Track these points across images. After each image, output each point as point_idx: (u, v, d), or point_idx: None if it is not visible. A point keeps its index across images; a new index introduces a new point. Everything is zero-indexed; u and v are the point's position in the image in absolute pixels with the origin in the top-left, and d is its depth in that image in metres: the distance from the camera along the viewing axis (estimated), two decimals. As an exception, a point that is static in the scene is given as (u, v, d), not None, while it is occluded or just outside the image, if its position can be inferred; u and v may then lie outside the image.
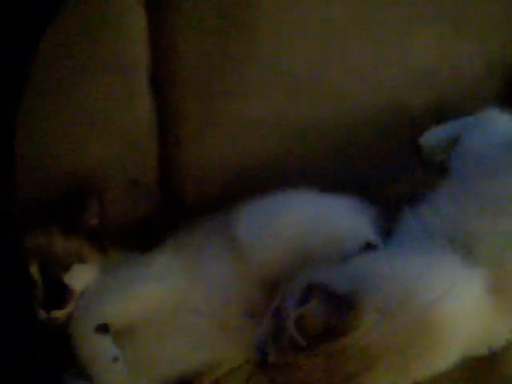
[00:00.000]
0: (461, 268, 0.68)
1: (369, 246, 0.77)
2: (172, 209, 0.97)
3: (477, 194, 0.77)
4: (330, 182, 0.86)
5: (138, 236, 0.92)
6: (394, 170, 0.92)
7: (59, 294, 0.79)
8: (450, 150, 0.91)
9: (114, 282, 0.82)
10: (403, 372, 0.65)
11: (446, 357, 0.66)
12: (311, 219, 0.82)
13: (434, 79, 0.98)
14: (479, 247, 0.70)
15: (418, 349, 0.64)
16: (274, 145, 0.93)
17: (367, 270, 0.70)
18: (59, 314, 0.78)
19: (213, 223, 0.88)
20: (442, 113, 0.98)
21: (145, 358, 0.81)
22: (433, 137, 0.96)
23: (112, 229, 0.90)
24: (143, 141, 0.90)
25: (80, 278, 0.81)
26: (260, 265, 0.80)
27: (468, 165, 0.84)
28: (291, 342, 0.64)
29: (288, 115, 0.92)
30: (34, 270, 0.78)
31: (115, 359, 0.77)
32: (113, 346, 0.78)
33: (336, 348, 0.63)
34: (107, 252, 0.86)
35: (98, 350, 0.77)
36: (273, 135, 0.93)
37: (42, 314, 0.77)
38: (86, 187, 0.86)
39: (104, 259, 0.85)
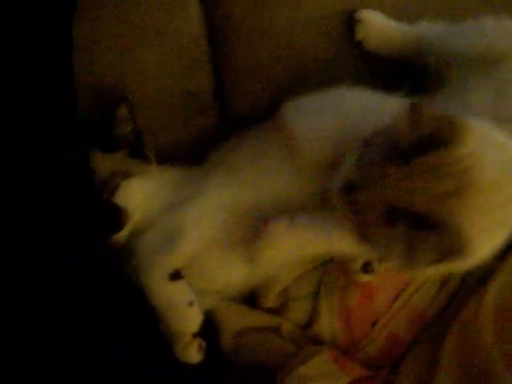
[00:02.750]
0: None
1: None
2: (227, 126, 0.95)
3: None
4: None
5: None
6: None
7: (113, 216, 0.78)
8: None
9: (173, 217, 0.79)
10: (494, 217, 0.61)
11: None
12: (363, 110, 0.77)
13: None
14: None
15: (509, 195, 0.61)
16: (324, 47, 0.90)
17: None
18: (119, 236, 0.79)
19: (263, 126, 0.86)
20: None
21: (210, 276, 0.81)
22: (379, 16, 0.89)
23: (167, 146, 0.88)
24: (195, 51, 0.89)
25: (130, 194, 0.80)
26: (316, 155, 0.76)
27: None
28: (388, 150, 0.60)
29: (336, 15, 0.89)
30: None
31: (191, 303, 0.77)
32: (188, 289, 0.77)
33: (437, 160, 0.59)
34: (152, 161, 0.84)
35: (174, 298, 0.76)
36: (322, 37, 0.90)
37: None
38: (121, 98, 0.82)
39: (151, 170, 0.83)
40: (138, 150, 0.84)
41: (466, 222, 0.59)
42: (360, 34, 0.89)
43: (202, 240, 0.79)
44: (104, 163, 0.81)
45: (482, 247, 0.62)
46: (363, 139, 0.66)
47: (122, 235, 0.81)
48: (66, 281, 0.70)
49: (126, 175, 0.81)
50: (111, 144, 0.82)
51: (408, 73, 0.90)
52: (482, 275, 0.85)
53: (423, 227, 0.59)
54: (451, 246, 0.59)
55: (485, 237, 0.61)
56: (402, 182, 0.60)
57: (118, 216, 0.79)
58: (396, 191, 0.60)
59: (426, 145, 0.59)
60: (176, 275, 0.77)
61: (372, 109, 0.77)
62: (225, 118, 0.96)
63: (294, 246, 0.77)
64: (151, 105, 0.88)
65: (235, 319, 0.90)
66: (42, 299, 0.68)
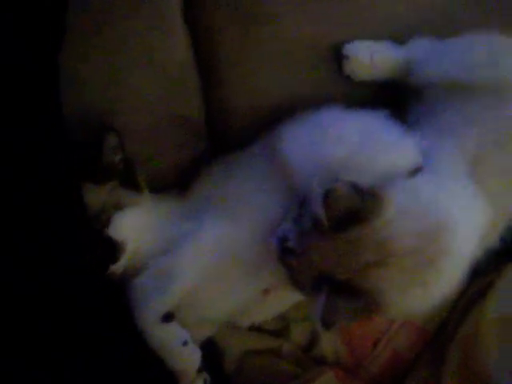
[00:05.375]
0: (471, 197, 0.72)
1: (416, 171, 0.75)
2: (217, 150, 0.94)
3: None
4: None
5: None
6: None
7: (108, 249, 0.77)
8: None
9: (166, 259, 0.79)
10: (414, 277, 0.67)
11: (452, 271, 0.69)
12: (360, 137, 0.78)
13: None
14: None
15: (427, 258, 0.66)
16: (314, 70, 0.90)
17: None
18: (115, 268, 0.78)
19: (254, 148, 0.85)
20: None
21: (207, 305, 0.81)
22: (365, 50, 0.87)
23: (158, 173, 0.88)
24: (185, 77, 0.88)
25: (124, 226, 0.79)
26: (306, 181, 0.75)
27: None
28: (314, 223, 0.66)
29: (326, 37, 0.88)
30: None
31: (185, 343, 0.77)
32: (180, 330, 0.77)
33: (356, 234, 0.65)
34: (144, 190, 0.83)
35: (167, 338, 0.76)
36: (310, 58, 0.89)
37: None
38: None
39: (144, 199, 0.82)
40: (129, 179, 0.83)
41: (384, 285, 0.66)
42: (347, 69, 0.88)
43: (195, 281, 0.79)
44: (96, 195, 0.79)
45: (401, 303, 0.68)
46: (300, 200, 0.72)
47: (118, 267, 0.79)
48: (65, 281, 0.69)
49: (118, 206, 0.80)
50: (101, 174, 0.80)
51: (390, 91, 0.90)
52: (481, 288, 0.85)
53: (343, 291, 0.66)
54: (367, 306, 0.66)
55: (404, 295, 0.67)
56: (327, 254, 0.66)
57: (112, 249, 0.78)
58: (322, 263, 0.67)
59: (345, 222, 0.65)
60: (168, 317, 0.77)
61: (370, 141, 0.77)
62: (215, 142, 0.95)
63: None
64: (141, 131, 0.86)
65: (237, 343, 0.90)
66: (41, 299, 0.68)
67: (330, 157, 0.76)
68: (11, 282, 0.67)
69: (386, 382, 0.87)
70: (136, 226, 0.81)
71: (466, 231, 0.69)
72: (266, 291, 0.83)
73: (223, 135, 0.93)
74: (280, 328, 0.92)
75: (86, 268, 0.72)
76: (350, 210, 0.64)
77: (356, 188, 0.65)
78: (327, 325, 0.66)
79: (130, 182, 0.83)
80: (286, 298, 0.87)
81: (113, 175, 0.81)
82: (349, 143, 0.77)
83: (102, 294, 0.73)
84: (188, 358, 0.77)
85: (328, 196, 0.64)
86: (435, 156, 0.76)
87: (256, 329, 0.92)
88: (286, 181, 0.79)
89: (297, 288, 0.73)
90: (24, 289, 0.67)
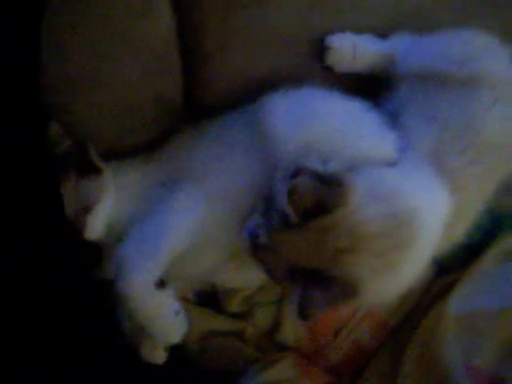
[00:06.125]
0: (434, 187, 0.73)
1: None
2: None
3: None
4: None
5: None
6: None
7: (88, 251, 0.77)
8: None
9: (148, 223, 0.77)
10: (384, 260, 0.67)
11: (417, 257, 0.70)
12: (344, 119, 0.78)
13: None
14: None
15: (395, 241, 0.67)
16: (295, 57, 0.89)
17: None
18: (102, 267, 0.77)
19: (236, 117, 0.84)
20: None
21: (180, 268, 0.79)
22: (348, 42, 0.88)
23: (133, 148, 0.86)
24: (167, 55, 0.86)
25: (98, 227, 0.78)
26: (285, 154, 0.74)
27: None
28: (283, 218, 0.66)
29: (310, 25, 0.88)
30: None
31: (177, 313, 0.76)
32: (174, 299, 0.76)
33: (325, 224, 0.65)
34: (103, 171, 0.81)
35: (160, 306, 0.74)
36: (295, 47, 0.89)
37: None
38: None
39: (105, 180, 0.80)
40: (85, 164, 0.80)
41: (356, 270, 0.66)
42: (329, 60, 0.88)
43: (181, 244, 0.77)
44: (66, 194, 0.77)
45: (374, 288, 0.68)
46: (266, 195, 0.72)
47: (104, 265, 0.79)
48: (66, 281, 0.70)
49: (87, 209, 0.78)
50: (61, 164, 0.78)
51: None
52: (444, 285, 0.86)
53: (318, 281, 0.67)
54: (343, 293, 0.67)
55: (376, 279, 0.67)
56: (298, 246, 0.67)
57: (96, 247, 0.78)
58: (294, 255, 0.67)
59: (312, 212, 0.65)
60: (161, 283, 0.75)
61: (352, 125, 0.78)
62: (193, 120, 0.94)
63: None
64: (119, 106, 0.85)
65: (200, 322, 0.90)
66: (42, 299, 0.69)
67: (312, 130, 0.75)
68: (11, 282, 0.67)
69: (346, 371, 0.88)
70: (109, 217, 0.79)
71: (430, 219, 0.70)
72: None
73: (200, 114, 0.92)
74: (245, 311, 0.92)
75: (85, 268, 0.72)
76: (316, 201, 0.65)
77: (319, 178, 0.65)
78: (304, 317, 0.67)
79: (87, 166, 0.80)
80: (250, 273, 0.86)
81: (69, 165, 0.79)
82: (333, 121, 0.77)
83: (102, 294, 0.73)
84: (176, 330, 0.76)
85: (293, 192, 0.64)
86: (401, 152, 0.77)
87: (221, 311, 0.93)
88: (263, 152, 0.78)
89: (273, 281, 0.73)
90: (24, 289, 0.68)
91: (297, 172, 0.67)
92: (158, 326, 0.75)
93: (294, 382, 0.84)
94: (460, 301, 0.82)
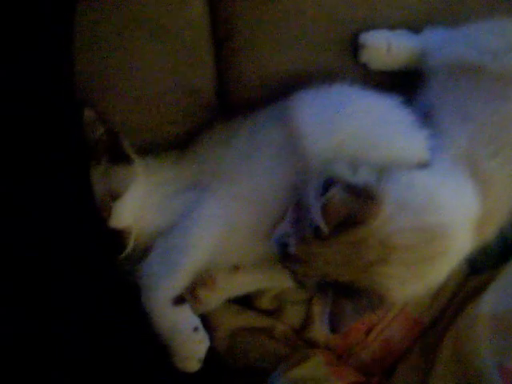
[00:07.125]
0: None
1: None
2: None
3: None
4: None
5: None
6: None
7: (114, 239, 0.77)
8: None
9: (174, 237, 0.77)
10: (414, 271, 0.68)
11: (447, 265, 0.71)
12: (375, 118, 0.77)
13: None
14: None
15: (426, 253, 0.68)
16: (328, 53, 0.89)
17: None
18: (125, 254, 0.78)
19: (267, 115, 0.83)
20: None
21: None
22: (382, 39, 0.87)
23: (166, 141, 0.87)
24: (199, 47, 0.87)
25: (124, 214, 0.78)
26: (315, 154, 0.75)
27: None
28: (315, 230, 0.66)
29: (344, 20, 0.88)
30: None
31: (195, 329, 0.76)
32: (192, 315, 0.76)
33: (357, 237, 0.66)
34: (134, 162, 0.80)
35: (178, 322, 0.75)
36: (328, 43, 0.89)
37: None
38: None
39: (136, 172, 0.80)
40: (116, 152, 0.80)
41: (387, 281, 0.67)
42: (363, 58, 0.88)
43: (204, 259, 0.78)
44: (95, 180, 0.77)
45: (401, 296, 0.70)
46: (296, 202, 0.72)
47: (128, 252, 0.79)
48: (66, 281, 0.69)
49: (115, 195, 0.78)
50: (92, 153, 0.79)
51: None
52: (477, 284, 0.85)
53: (348, 293, 0.68)
54: (370, 304, 0.68)
55: (404, 288, 0.69)
56: (329, 259, 0.67)
57: (119, 238, 0.77)
58: (325, 268, 0.68)
59: (344, 225, 0.65)
60: (180, 300, 0.76)
61: (383, 124, 0.77)
62: (224, 113, 0.93)
63: None
64: (152, 100, 0.86)
65: (230, 318, 0.90)
66: (42, 299, 0.68)
67: (343, 129, 0.75)
68: (11, 282, 0.67)
69: (376, 370, 0.87)
70: (137, 207, 0.79)
71: (462, 229, 0.70)
72: (236, 267, 0.84)
73: (232, 106, 0.92)
74: (275, 308, 0.92)
75: (86, 267, 0.72)
76: (348, 214, 0.65)
77: (350, 190, 0.65)
78: (335, 330, 0.67)
79: (119, 155, 0.81)
80: (256, 280, 0.86)
81: (101, 152, 0.79)
82: (364, 121, 0.76)
83: (102, 294, 0.72)
84: (196, 345, 0.76)
85: (327, 207, 0.64)
86: (433, 152, 0.76)
87: (251, 308, 0.92)
88: (293, 153, 0.77)
89: (302, 289, 0.75)
90: (24, 288, 0.67)
91: (329, 183, 0.67)
92: (177, 341, 0.75)
93: (323, 381, 0.83)
94: (494, 300, 0.81)
